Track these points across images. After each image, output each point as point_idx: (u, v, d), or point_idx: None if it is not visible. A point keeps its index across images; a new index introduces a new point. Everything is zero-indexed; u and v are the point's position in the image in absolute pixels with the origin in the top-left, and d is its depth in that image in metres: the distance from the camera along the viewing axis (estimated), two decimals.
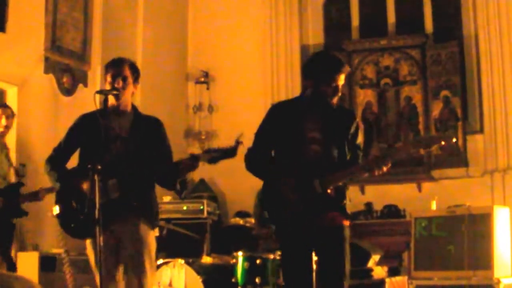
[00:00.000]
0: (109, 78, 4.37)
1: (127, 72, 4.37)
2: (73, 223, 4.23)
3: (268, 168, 4.25)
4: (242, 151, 4.28)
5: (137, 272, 4.24)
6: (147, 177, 4.27)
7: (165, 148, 4.45)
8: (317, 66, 4.22)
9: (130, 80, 4.38)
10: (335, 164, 4.11)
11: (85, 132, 4.35)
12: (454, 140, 4.06)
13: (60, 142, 4.48)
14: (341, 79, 4.15)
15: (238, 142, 4.04)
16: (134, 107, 4.50)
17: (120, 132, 4.37)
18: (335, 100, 4.19)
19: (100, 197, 3.96)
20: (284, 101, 4.71)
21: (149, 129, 4.42)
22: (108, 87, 4.37)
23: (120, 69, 4.37)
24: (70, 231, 4.30)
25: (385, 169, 4.01)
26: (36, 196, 6.07)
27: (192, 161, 4.17)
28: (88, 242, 4.32)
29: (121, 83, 4.34)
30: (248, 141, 4.31)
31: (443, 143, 4.08)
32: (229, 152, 4.05)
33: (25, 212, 6.21)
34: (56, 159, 4.44)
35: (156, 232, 4.50)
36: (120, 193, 4.21)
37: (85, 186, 4.18)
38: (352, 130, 4.23)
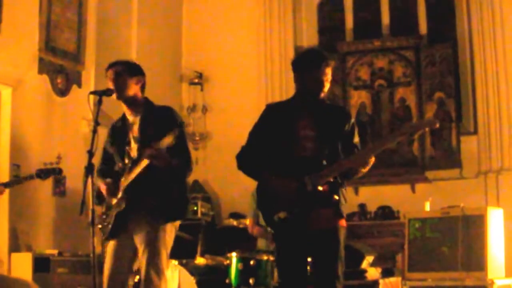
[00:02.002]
0: (110, 83, 4.39)
1: (119, 68, 4.38)
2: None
3: (260, 168, 4.24)
4: (235, 150, 4.29)
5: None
6: (154, 169, 4.22)
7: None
8: (301, 61, 4.25)
9: (124, 73, 4.36)
10: (327, 161, 4.09)
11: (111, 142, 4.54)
12: (437, 125, 4.06)
13: None
14: (326, 73, 4.15)
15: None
16: (146, 101, 4.48)
17: (133, 132, 4.42)
18: (322, 94, 4.20)
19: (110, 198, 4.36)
20: (279, 102, 4.71)
21: (158, 121, 4.34)
22: None
23: (113, 68, 4.39)
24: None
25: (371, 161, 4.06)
26: None
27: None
28: (109, 244, 4.39)
29: (118, 79, 4.34)
30: (242, 142, 4.32)
31: (427, 129, 4.17)
32: None
33: None
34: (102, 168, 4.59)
35: (169, 226, 4.39)
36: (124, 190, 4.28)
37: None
38: (347, 127, 4.22)
